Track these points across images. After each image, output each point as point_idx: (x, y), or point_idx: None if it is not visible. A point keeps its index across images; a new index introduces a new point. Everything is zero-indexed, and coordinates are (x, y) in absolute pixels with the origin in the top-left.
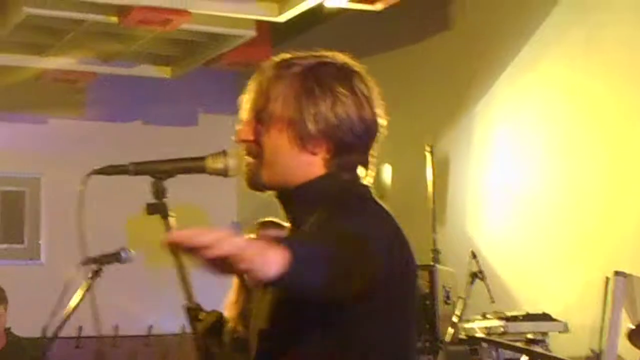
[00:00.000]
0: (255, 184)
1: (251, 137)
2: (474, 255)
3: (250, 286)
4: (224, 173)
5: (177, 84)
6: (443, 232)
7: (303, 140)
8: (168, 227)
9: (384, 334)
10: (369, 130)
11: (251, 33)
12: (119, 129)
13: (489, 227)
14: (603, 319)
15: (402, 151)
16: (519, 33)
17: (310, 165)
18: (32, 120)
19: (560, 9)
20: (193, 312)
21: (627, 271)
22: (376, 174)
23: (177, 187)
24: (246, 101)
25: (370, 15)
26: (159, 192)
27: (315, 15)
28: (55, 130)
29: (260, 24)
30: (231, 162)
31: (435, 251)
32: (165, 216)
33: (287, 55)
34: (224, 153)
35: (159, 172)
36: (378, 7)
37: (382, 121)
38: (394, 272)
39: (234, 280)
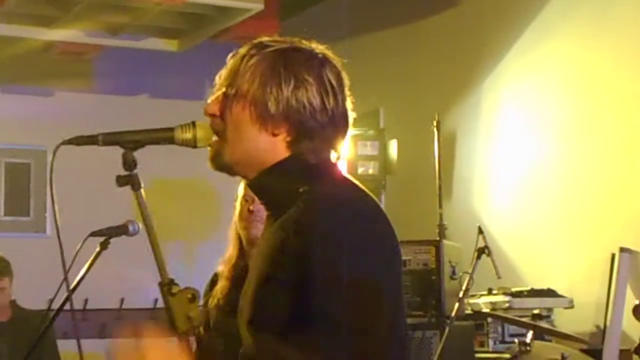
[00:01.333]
0: (219, 163)
1: (217, 112)
2: (480, 231)
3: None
4: (192, 144)
5: (183, 57)
6: (449, 207)
7: (264, 120)
8: (139, 199)
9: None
10: (333, 121)
11: (259, 6)
12: (126, 101)
13: (495, 203)
14: (608, 295)
15: (409, 126)
16: (527, 9)
17: (273, 146)
18: (38, 93)
19: None
20: (166, 287)
21: (632, 248)
22: (383, 149)
23: (183, 162)
24: (219, 77)
25: None
26: (130, 163)
27: None
28: (62, 103)
29: None
30: (200, 133)
31: (442, 226)
32: (136, 188)
33: (265, 38)
34: (192, 124)
35: (129, 142)
36: None
37: (351, 114)
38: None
39: (231, 236)
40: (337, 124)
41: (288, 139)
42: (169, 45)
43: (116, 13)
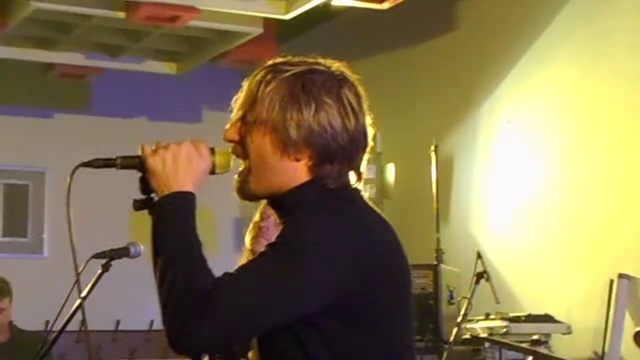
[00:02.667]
0: (245, 193)
1: (236, 138)
2: (479, 256)
3: None
4: (211, 170)
5: (182, 80)
6: (447, 232)
7: (285, 146)
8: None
9: (369, 341)
10: (354, 140)
11: (258, 30)
12: (124, 124)
13: (493, 228)
14: (606, 322)
15: (407, 151)
16: (525, 35)
17: (295, 171)
18: (38, 114)
19: (567, 12)
20: None
21: (631, 274)
22: (380, 173)
23: None
24: (236, 102)
25: (376, 14)
26: (147, 188)
27: (322, 13)
28: (61, 125)
29: (266, 22)
30: (219, 160)
31: (439, 251)
32: (152, 212)
33: (279, 60)
34: (211, 150)
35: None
36: (385, 6)
37: (370, 131)
38: (364, 277)
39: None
40: (358, 142)
41: (310, 163)
42: (168, 68)
43: (116, 36)
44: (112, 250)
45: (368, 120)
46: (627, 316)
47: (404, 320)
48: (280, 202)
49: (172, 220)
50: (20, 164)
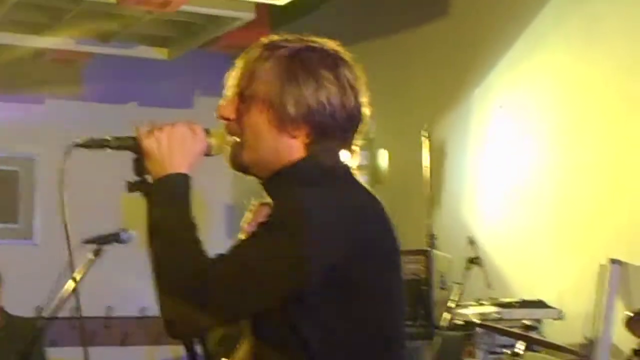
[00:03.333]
0: (237, 164)
1: (232, 116)
2: (471, 241)
3: None
4: (206, 152)
5: (173, 65)
6: (439, 217)
7: (283, 123)
8: (149, 206)
9: (356, 317)
10: (351, 118)
11: (250, 16)
12: (115, 109)
13: (485, 213)
14: (598, 307)
15: (399, 136)
16: (518, 20)
17: (291, 148)
18: (28, 100)
19: None
20: None
21: (622, 259)
22: (373, 159)
23: None
24: (231, 79)
25: (369, 0)
26: (141, 169)
27: None
28: (51, 110)
29: (259, 7)
30: (213, 141)
31: (431, 236)
32: (147, 194)
33: (275, 37)
34: (207, 132)
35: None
36: None
37: (366, 110)
38: (353, 251)
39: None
40: (355, 121)
41: (307, 140)
42: (159, 53)
43: (107, 21)
44: (102, 235)
45: (364, 99)
46: (619, 301)
47: (395, 298)
48: (274, 179)
49: (168, 202)
50: (10, 150)
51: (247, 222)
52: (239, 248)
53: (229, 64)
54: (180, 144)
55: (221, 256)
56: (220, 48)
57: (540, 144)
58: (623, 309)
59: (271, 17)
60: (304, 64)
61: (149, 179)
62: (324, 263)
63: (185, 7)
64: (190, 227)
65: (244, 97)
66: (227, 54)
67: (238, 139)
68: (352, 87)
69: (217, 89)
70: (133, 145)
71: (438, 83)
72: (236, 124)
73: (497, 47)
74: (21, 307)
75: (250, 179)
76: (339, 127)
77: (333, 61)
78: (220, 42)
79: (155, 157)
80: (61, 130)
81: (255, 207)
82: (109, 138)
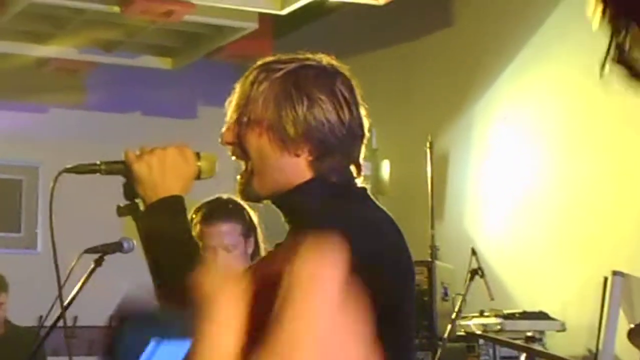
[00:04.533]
0: (249, 194)
1: (233, 140)
2: (474, 252)
3: None
4: (196, 176)
5: (177, 75)
6: (442, 228)
7: (284, 143)
8: (139, 229)
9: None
10: (351, 132)
11: (253, 25)
12: (119, 119)
13: (488, 225)
14: (600, 319)
15: (402, 147)
16: (521, 31)
17: (296, 167)
18: (31, 109)
19: (563, 8)
20: None
21: (625, 271)
22: (376, 170)
23: None
24: (230, 104)
25: (372, 10)
26: (131, 193)
27: (318, 8)
28: (55, 119)
29: (262, 17)
30: (204, 165)
31: (434, 247)
32: (136, 218)
33: (270, 59)
34: (197, 155)
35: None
36: (380, 1)
37: (366, 122)
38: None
39: None
40: (355, 134)
41: (310, 158)
42: (163, 63)
43: (110, 30)
44: (105, 245)
45: (362, 111)
46: (621, 313)
47: (406, 314)
48: (284, 200)
49: (167, 225)
50: (13, 159)
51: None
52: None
53: (232, 73)
54: (172, 168)
55: None
56: (224, 58)
57: (544, 156)
58: (626, 321)
59: (274, 27)
60: (297, 83)
61: (139, 203)
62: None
63: (188, 17)
64: (195, 246)
65: (242, 121)
66: (230, 63)
67: (246, 168)
68: (349, 102)
69: (220, 99)
70: (123, 169)
71: (441, 94)
72: (239, 148)
73: (500, 59)
74: (24, 316)
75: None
76: (340, 142)
77: (327, 77)
78: (224, 52)
79: (147, 182)
80: (65, 139)
81: (199, 227)
82: (98, 163)
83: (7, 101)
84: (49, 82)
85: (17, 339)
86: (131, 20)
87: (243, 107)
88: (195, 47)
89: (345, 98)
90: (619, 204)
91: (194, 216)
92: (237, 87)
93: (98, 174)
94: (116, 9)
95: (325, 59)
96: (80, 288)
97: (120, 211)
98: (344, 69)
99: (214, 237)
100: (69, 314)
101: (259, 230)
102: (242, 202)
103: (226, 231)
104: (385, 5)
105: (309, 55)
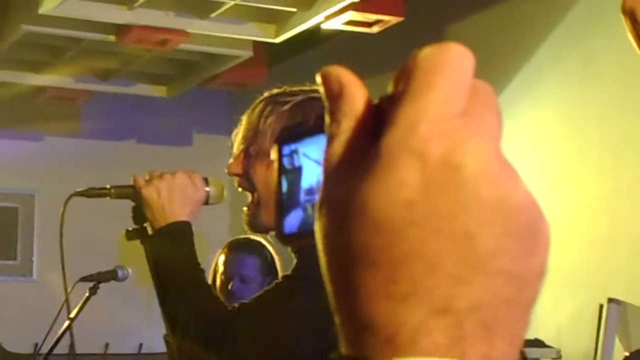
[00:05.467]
0: (256, 226)
1: (240, 171)
2: None
3: None
4: (205, 201)
5: (172, 103)
6: None
7: None
8: (148, 253)
9: None
10: None
11: (247, 53)
12: (114, 147)
13: None
14: (596, 346)
15: None
16: (515, 58)
17: None
18: (27, 137)
19: (556, 35)
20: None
21: (621, 298)
22: None
23: None
24: (237, 136)
25: (366, 38)
26: (140, 217)
27: (312, 37)
28: (51, 147)
29: (256, 45)
30: (212, 190)
31: None
32: (145, 242)
33: (276, 90)
34: (205, 181)
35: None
36: (374, 30)
37: None
38: None
39: None
40: None
41: None
42: (158, 91)
43: (106, 59)
44: (100, 273)
45: None
46: (617, 341)
47: None
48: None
49: (175, 250)
50: (10, 187)
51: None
52: (265, 300)
53: (227, 101)
54: (180, 193)
55: (246, 305)
56: (219, 86)
57: (538, 182)
58: (622, 349)
59: (268, 55)
60: (305, 114)
61: (148, 227)
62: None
63: (183, 46)
64: (201, 273)
65: (249, 153)
66: (225, 91)
67: (252, 200)
68: None
69: (215, 126)
70: (132, 194)
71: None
72: (245, 180)
73: (494, 85)
74: (20, 343)
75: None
76: None
77: None
78: (219, 80)
79: (156, 206)
80: (61, 167)
81: (224, 253)
82: (108, 187)
83: (3, 129)
84: (45, 111)
85: None
86: (127, 49)
87: (250, 138)
88: (190, 76)
89: None
90: (615, 231)
91: (224, 248)
92: (244, 119)
93: (108, 197)
94: (112, 38)
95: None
96: (76, 316)
97: (129, 235)
98: None
99: (234, 265)
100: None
101: (279, 270)
102: (266, 243)
103: (246, 262)
104: (379, 33)
105: (315, 87)
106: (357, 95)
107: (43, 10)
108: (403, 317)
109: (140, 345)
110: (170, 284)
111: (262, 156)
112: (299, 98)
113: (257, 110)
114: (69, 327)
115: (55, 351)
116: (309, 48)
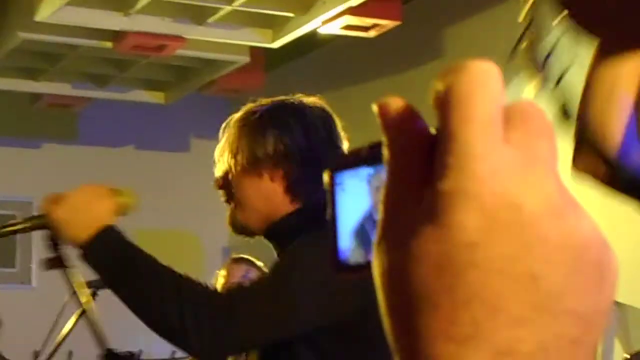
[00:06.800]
0: (236, 226)
1: (220, 184)
2: None
3: None
4: (122, 212)
5: (170, 109)
6: None
7: (256, 168)
8: (71, 278)
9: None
10: (324, 152)
11: (245, 59)
12: (112, 153)
13: None
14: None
15: None
16: (513, 63)
17: (274, 193)
18: (25, 144)
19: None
20: (111, 357)
21: (620, 300)
22: None
23: (168, 212)
24: (218, 151)
25: (363, 42)
26: (56, 244)
27: (309, 42)
28: (48, 155)
29: (253, 50)
30: (123, 200)
31: None
32: (65, 268)
33: (251, 105)
34: (116, 192)
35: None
36: (371, 34)
37: (345, 147)
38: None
39: None
40: (327, 153)
41: (285, 183)
42: (155, 97)
43: (103, 66)
44: (97, 280)
45: (341, 139)
46: (617, 343)
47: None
48: (276, 229)
49: (118, 253)
50: (7, 194)
51: (222, 278)
52: (261, 281)
53: (224, 107)
54: (90, 205)
55: (240, 286)
56: (217, 91)
57: None
58: (622, 350)
59: (266, 60)
60: (271, 117)
61: (66, 249)
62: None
63: (180, 52)
64: (156, 263)
65: (230, 168)
66: (222, 97)
67: (232, 206)
68: (318, 129)
69: (213, 132)
70: (45, 222)
71: (434, 125)
72: (227, 192)
73: None
74: (19, 351)
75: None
76: (311, 167)
77: (301, 109)
78: (216, 86)
79: (70, 224)
80: (58, 174)
81: (228, 265)
82: (17, 222)
83: (0, 137)
84: (42, 118)
85: None
86: (123, 55)
87: (228, 154)
88: (187, 81)
89: (315, 126)
90: (614, 232)
91: (228, 261)
92: (222, 135)
93: (22, 233)
94: (108, 44)
95: (305, 99)
96: (75, 324)
97: (49, 264)
98: (321, 103)
99: (237, 275)
100: (64, 349)
101: None
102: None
103: (249, 274)
104: (376, 37)
105: (289, 97)
106: (415, 128)
107: (39, 17)
108: (465, 359)
109: (140, 351)
110: (129, 284)
111: (237, 164)
112: (269, 105)
113: (234, 127)
114: (66, 336)
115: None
116: (306, 53)
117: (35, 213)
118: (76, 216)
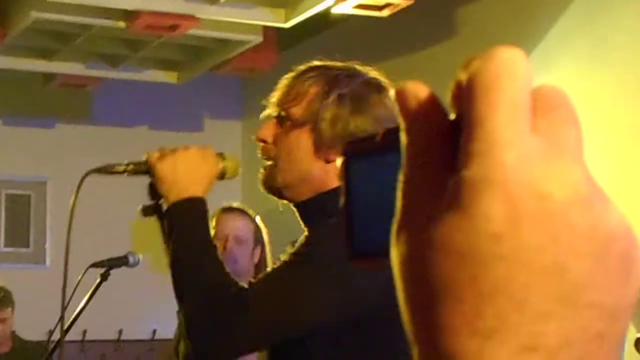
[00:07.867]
0: (270, 186)
1: (269, 139)
2: None
3: None
4: (220, 176)
5: (183, 89)
6: None
7: (319, 146)
8: (165, 228)
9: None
10: None
11: (258, 38)
12: (126, 133)
13: None
14: None
15: None
16: (526, 40)
17: (326, 173)
18: (38, 124)
19: (566, 18)
20: None
21: None
22: None
23: None
24: (272, 99)
25: (376, 21)
26: (155, 193)
27: (322, 21)
28: (62, 135)
29: (266, 30)
30: (227, 165)
31: None
32: (161, 218)
33: (321, 63)
34: (220, 155)
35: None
36: (384, 13)
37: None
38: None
39: None
40: None
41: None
42: (168, 77)
43: (116, 45)
44: (111, 259)
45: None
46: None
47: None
48: (309, 205)
49: (188, 226)
50: (21, 175)
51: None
52: (275, 277)
53: (237, 86)
54: (193, 168)
55: (254, 282)
56: (229, 71)
57: None
58: (633, 330)
59: (279, 40)
60: (342, 89)
61: (163, 202)
62: (348, 304)
63: (193, 31)
64: (214, 250)
65: (283, 119)
66: (235, 77)
67: (272, 163)
68: (390, 116)
69: (226, 112)
70: (147, 169)
71: (447, 104)
72: (273, 147)
73: None
74: (33, 330)
75: (259, 199)
76: None
77: (373, 89)
78: (229, 66)
79: (169, 182)
80: (72, 154)
81: (218, 215)
82: (125, 162)
83: (14, 117)
84: (56, 98)
85: (25, 354)
86: (136, 35)
87: (287, 105)
88: (200, 61)
89: (387, 110)
90: (624, 214)
91: (218, 212)
92: (282, 84)
93: (125, 174)
94: (121, 24)
95: (372, 72)
96: (87, 302)
97: (145, 211)
98: (389, 83)
99: (228, 225)
100: (78, 328)
101: (267, 249)
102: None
103: (240, 223)
104: (390, 17)
105: (356, 65)
106: (435, 114)
107: None
108: (489, 354)
109: (154, 331)
110: (184, 257)
111: (296, 123)
112: (339, 71)
113: (295, 76)
114: (79, 315)
115: (68, 337)
116: (319, 32)
117: (49, 194)
118: (176, 176)
